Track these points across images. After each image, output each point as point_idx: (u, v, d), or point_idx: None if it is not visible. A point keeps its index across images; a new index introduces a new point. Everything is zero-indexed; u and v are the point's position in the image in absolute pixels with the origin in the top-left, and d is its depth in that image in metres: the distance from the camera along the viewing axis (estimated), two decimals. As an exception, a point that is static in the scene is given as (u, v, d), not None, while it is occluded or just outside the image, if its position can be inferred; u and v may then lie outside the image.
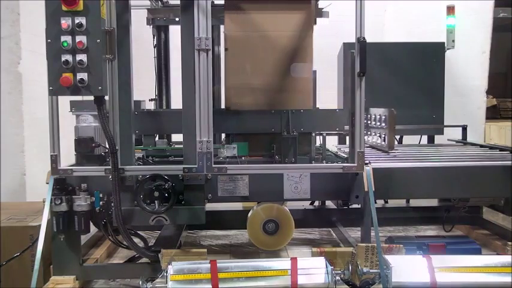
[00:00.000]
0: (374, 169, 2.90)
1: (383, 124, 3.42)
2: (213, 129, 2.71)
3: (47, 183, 2.75)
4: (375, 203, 2.84)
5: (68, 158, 2.94)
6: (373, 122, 3.60)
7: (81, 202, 2.74)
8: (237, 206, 3.74)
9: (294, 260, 2.52)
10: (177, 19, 3.77)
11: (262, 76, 2.91)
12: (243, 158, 3.12)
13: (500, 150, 3.67)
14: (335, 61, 4.32)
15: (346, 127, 3.02)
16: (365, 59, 2.72)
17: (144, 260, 2.98)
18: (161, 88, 3.94)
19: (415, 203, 4.05)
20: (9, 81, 4.32)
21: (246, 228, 3.12)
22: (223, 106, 4.14)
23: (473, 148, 3.98)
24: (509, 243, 3.34)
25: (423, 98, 4.41)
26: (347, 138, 3.21)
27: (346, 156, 3.20)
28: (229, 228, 3.92)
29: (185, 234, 3.73)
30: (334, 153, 3.55)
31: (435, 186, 3.07)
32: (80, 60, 2.36)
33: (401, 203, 4.07)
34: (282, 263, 2.54)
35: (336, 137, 4.10)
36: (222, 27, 4.09)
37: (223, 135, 3.67)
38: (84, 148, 2.82)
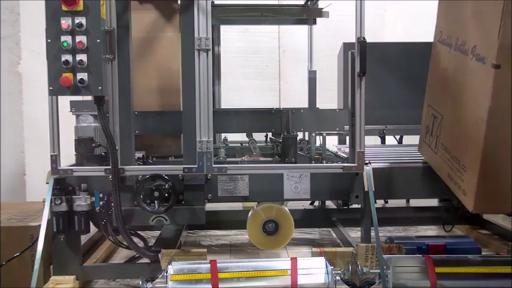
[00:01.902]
0: (374, 169, 2.90)
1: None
2: (213, 129, 2.70)
3: (47, 183, 2.75)
4: (375, 203, 2.84)
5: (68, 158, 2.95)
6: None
7: (81, 202, 2.74)
8: (237, 206, 3.74)
9: (294, 260, 2.52)
10: (177, 19, 3.77)
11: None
12: (243, 158, 3.12)
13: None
14: (335, 61, 4.32)
15: (346, 127, 3.02)
16: (365, 59, 2.72)
17: (144, 260, 2.98)
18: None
19: (415, 203, 4.05)
20: (9, 81, 4.32)
21: (246, 228, 3.12)
22: (223, 106, 4.16)
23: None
24: (509, 243, 3.34)
25: (423, 98, 4.40)
26: (347, 138, 3.21)
27: (346, 156, 3.20)
28: (229, 228, 3.92)
29: (185, 234, 3.73)
30: (334, 153, 3.55)
31: (435, 186, 3.07)
32: (80, 60, 2.36)
33: (401, 203, 4.07)
34: (282, 263, 2.54)
35: (336, 137, 4.11)
36: (222, 27, 4.11)
37: (223, 135, 3.68)
38: (84, 148, 2.82)
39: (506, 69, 2.13)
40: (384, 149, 3.86)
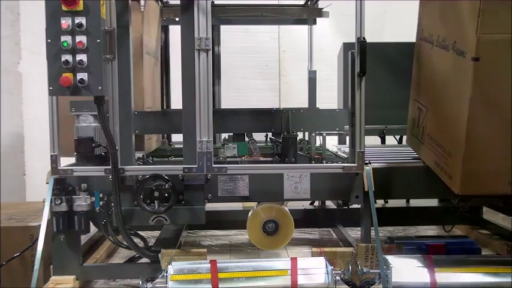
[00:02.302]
0: (374, 169, 2.90)
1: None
2: (213, 129, 2.70)
3: (47, 183, 2.75)
4: (375, 203, 2.84)
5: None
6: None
7: (81, 202, 2.74)
8: (237, 206, 3.74)
9: (294, 260, 2.52)
10: (177, 19, 3.78)
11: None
12: (243, 158, 3.12)
13: None
14: (335, 61, 4.33)
15: (346, 127, 3.02)
16: (365, 59, 2.72)
17: (144, 260, 2.99)
18: (161, 88, 3.95)
19: (415, 203, 4.05)
20: (9, 81, 4.32)
21: (246, 228, 3.12)
22: (223, 106, 4.16)
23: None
24: (510, 243, 3.34)
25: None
26: (347, 138, 3.21)
27: (346, 156, 3.20)
28: (229, 228, 3.92)
29: (185, 234, 3.73)
30: (334, 153, 3.55)
31: (435, 186, 3.07)
32: (80, 60, 2.36)
33: (401, 203, 4.07)
34: (282, 263, 2.54)
35: (336, 137, 4.11)
36: (222, 27, 4.11)
37: (223, 135, 3.68)
38: (84, 148, 2.82)
39: (485, 61, 2.34)
40: (384, 149, 3.86)
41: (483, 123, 2.46)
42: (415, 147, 3.29)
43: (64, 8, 2.33)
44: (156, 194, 2.70)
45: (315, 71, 4.06)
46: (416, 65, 3.22)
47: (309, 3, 3.91)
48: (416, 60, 3.23)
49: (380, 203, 4.05)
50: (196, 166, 2.69)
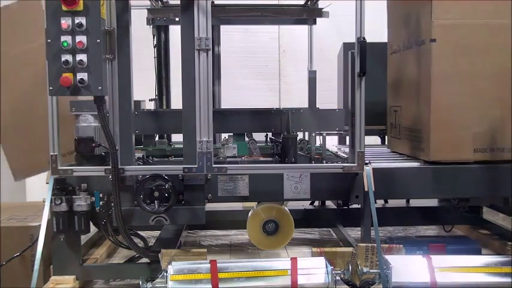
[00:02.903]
0: (374, 169, 2.90)
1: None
2: (213, 129, 2.70)
3: (47, 183, 2.75)
4: (375, 203, 2.84)
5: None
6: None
7: (81, 202, 2.74)
8: (237, 206, 3.74)
9: (294, 260, 2.52)
10: (177, 19, 3.78)
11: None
12: (243, 158, 3.12)
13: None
14: (335, 61, 4.33)
15: (346, 127, 3.02)
16: (365, 59, 2.72)
17: (144, 260, 2.99)
18: (161, 88, 3.95)
19: (415, 203, 4.05)
20: (9, 81, 4.31)
21: (246, 228, 3.12)
22: (223, 106, 4.16)
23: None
24: (509, 243, 3.34)
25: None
26: (347, 138, 3.21)
27: (346, 156, 3.20)
28: (229, 228, 3.92)
29: (185, 234, 3.73)
30: (334, 153, 3.55)
31: (435, 186, 3.07)
32: (80, 60, 2.36)
33: (401, 203, 4.07)
34: (282, 263, 2.54)
35: (336, 137, 4.11)
36: (222, 27, 4.11)
37: (223, 135, 3.68)
38: (84, 148, 2.82)
39: (441, 41, 2.92)
40: (384, 149, 3.86)
41: (446, 96, 2.95)
42: (394, 147, 3.64)
43: (64, 8, 2.33)
44: (156, 194, 2.70)
45: (315, 71, 4.05)
46: (390, 76, 3.67)
47: (309, 3, 3.91)
48: (389, 73, 3.69)
49: (380, 203, 4.05)
50: (196, 166, 2.69)
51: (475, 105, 2.98)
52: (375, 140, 4.22)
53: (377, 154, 3.52)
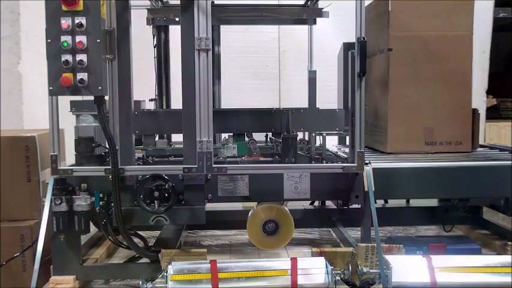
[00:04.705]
0: (374, 169, 2.90)
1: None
2: (213, 129, 2.70)
3: (47, 183, 2.75)
4: (375, 203, 2.84)
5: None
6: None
7: (81, 202, 2.74)
8: (237, 206, 3.74)
9: (294, 260, 2.52)
10: (177, 19, 3.77)
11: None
12: (243, 158, 3.12)
13: (500, 150, 3.67)
14: (335, 61, 4.31)
15: (346, 127, 3.02)
16: (365, 59, 2.72)
17: (144, 260, 2.99)
18: (161, 88, 3.94)
19: (415, 203, 4.05)
20: (9, 81, 4.32)
21: (246, 228, 3.12)
22: (223, 106, 4.16)
23: (473, 148, 3.98)
24: (509, 243, 3.34)
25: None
26: (347, 138, 3.21)
27: (346, 156, 3.20)
28: (229, 228, 3.92)
29: (185, 234, 3.73)
30: (334, 153, 3.55)
31: (435, 186, 3.07)
32: (80, 60, 2.36)
33: (401, 203, 4.07)
34: (282, 263, 2.54)
35: (336, 137, 4.10)
36: (222, 27, 4.11)
37: (223, 135, 3.67)
38: (84, 148, 2.82)
39: (397, 50, 3.39)
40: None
41: (402, 97, 3.41)
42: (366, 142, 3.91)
43: (64, 8, 2.33)
44: (156, 194, 2.70)
45: (315, 71, 4.03)
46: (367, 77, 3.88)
47: (309, 3, 3.91)
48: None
49: (380, 203, 4.05)
50: (196, 166, 2.69)
51: (426, 104, 3.42)
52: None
53: (377, 154, 3.52)
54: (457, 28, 3.49)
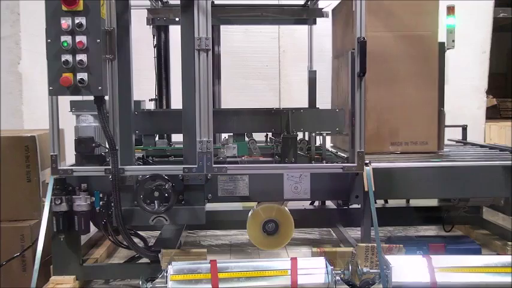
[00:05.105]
0: (374, 169, 2.90)
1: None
2: (213, 129, 2.70)
3: (47, 183, 2.75)
4: (375, 203, 2.84)
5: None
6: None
7: (81, 202, 2.74)
8: (237, 206, 3.74)
9: (294, 260, 2.52)
10: (177, 19, 3.78)
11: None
12: (243, 158, 3.12)
13: (500, 150, 3.67)
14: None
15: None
16: (365, 59, 2.72)
17: (144, 260, 2.99)
18: (161, 88, 3.95)
19: (415, 203, 4.05)
20: (9, 81, 4.32)
21: (246, 228, 3.12)
22: (223, 106, 4.16)
23: (473, 148, 3.98)
24: (509, 243, 3.34)
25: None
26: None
27: (346, 156, 3.20)
28: (229, 228, 3.92)
29: (185, 234, 3.73)
30: (334, 153, 3.55)
31: (435, 186, 3.07)
32: (80, 60, 2.36)
33: (401, 203, 4.07)
34: (282, 263, 2.54)
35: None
36: (222, 27, 4.11)
37: (223, 135, 3.68)
38: (84, 148, 2.82)
39: None
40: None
41: (367, 97, 3.11)
42: (335, 142, 3.95)
43: (64, 8, 2.33)
44: (156, 194, 2.70)
45: (315, 71, 4.05)
46: (332, 79, 4.01)
47: (309, 3, 3.91)
48: (332, 76, 4.02)
49: (380, 203, 4.05)
50: (196, 166, 2.69)
51: (392, 105, 3.41)
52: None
53: (377, 154, 3.52)
54: (423, 28, 3.46)
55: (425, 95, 3.48)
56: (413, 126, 3.47)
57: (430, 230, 4.00)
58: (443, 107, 3.65)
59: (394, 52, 3.39)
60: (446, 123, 4.47)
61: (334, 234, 3.86)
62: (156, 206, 2.71)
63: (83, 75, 2.37)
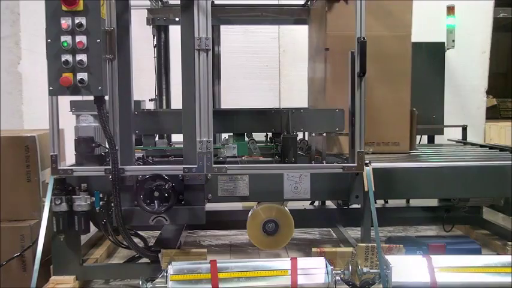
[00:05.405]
0: (374, 169, 2.90)
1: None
2: (213, 129, 2.70)
3: (47, 183, 2.75)
4: (375, 203, 2.84)
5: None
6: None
7: (81, 202, 2.74)
8: (237, 206, 3.74)
9: (294, 260, 2.52)
10: (177, 19, 3.78)
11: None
12: (243, 158, 3.12)
13: (500, 150, 3.67)
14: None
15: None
16: (365, 59, 2.72)
17: (144, 260, 2.99)
18: (161, 88, 3.95)
19: (415, 203, 4.05)
20: (9, 81, 4.32)
21: (246, 228, 3.12)
22: (223, 106, 4.16)
23: (473, 148, 3.98)
24: (509, 243, 3.35)
25: (423, 98, 4.41)
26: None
27: (346, 156, 3.20)
28: (229, 228, 3.92)
29: (185, 234, 3.73)
30: (334, 153, 3.55)
31: (435, 186, 3.07)
32: (80, 60, 2.36)
33: (401, 203, 4.07)
34: (282, 263, 2.54)
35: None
36: (222, 27, 4.11)
37: (223, 135, 3.68)
38: (84, 148, 2.82)
39: (333, 50, 3.36)
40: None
41: (338, 96, 3.26)
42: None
43: (64, 8, 2.33)
44: (156, 194, 2.70)
45: (315, 71, 4.05)
46: (308, 77, 4.09)
47: (309, 3, 3.91)
48: (308, 74, 4.09)
49: (380, 203, 4.05)
50: (196, 166, 2.69)
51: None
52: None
53: (377, 154, 3.51)
54: (396, 28, 3.44)
55: (397, 96, 3.45)
56: (384, 126, 3.44)
57: (430, 230, 4.00)
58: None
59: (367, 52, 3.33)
60: (446, 123, 4.50)
61: (334, 234, 3.86)
62: (156, 206, 2.70)
63: (83, 75, 2.37)
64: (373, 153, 3.39)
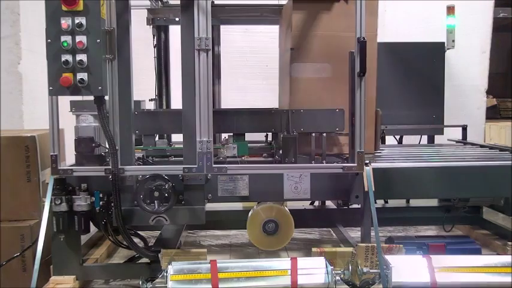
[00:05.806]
0: (374, 169, 2.90)
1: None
2: (213, 129, 2.70)
3: (47, 183, 2.75)
4: (375, 203, 2.84)
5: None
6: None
7: (81, 202, 2.74)
8: (237, 206, 3.74)
9: (294, 260, 2.52)
10: (177, 19, 3.78)
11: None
12: (243, 158, 3.12)
13: (500, 150, 3.67)
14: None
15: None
16: (365, 59, 2.72)
17: (144, 260, 2.98)
18: (161, 88, 3.95)
19: (415, 203, 4.05)
20: (9, 81, 4.32)
21: (246, 228, 3.12)
22: (223, 106, 4.16)
23: (473, 148, 3.98)
24: (509, 243, 3.35)
25: (423, 98, 4.42)
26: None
27: (346, 156, 3.20)
28: (229, 228, 3.92)
29: (185, 234, 3.73)
30: (334, 153, 3.54)
31: (435, 186, 3.07)
32: (80, 60, 2.36)
33: (401, 203, 4.07)
34: (282, 263, 2.54)
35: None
36: (222, 27, 4.11)
37: (223, 135, 3.68)
38: (84, 148, 2.82)
39: (298, 49, 3.32)
40: (385, 149, 3.86)
41: (302, 97, 3.30)
42: None
43: (64, 8, 2.33)
44: (156, 194, 2.70)
45: (315, 71, 4.05)
46: (279, 76, 4.03)
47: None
48: (279, 73, 4.02)
49: (380, 203, 4.05)
50: (196, 166, 2.69)
51: (327, 104, 3.19)
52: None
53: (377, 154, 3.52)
54: None
55: None
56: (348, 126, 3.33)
57: (430, 230, 4.00)
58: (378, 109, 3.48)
59: (332, 52, 3.28)
60: (446, 123, 4.50)
61: (334, 234, 3.86)
62: (156, 206, 2.71)
63: (83, 75, 2.37)
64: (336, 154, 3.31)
